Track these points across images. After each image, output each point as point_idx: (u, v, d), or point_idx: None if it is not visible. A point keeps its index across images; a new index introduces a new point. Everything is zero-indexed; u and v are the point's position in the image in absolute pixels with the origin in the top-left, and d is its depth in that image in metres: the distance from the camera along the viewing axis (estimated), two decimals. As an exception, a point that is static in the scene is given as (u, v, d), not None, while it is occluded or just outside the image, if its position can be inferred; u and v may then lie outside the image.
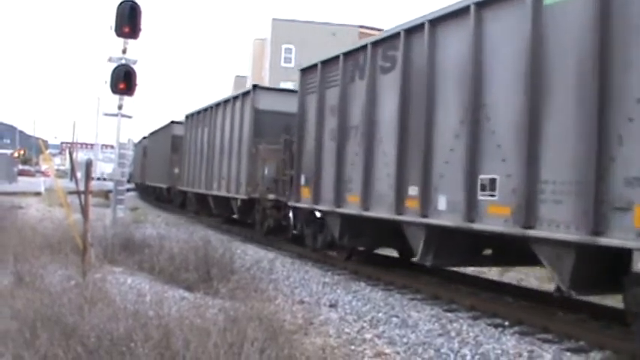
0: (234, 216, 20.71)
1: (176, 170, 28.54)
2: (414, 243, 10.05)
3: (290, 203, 14.63)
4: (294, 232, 15.12)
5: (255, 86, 19.27)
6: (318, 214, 13.47)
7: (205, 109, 24.05)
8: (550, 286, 11.49)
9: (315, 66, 13.68)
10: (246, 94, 19.48)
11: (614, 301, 10.38)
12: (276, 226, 16.51)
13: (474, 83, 8.75)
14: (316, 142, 13.33)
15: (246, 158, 18.23)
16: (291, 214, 15.14)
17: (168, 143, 30.93)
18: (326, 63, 13.22)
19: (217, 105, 22.49)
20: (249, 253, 14.39)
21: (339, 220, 12.34)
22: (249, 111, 18.64)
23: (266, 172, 16.70)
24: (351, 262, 13.17)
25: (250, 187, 17.64)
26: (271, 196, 16.21)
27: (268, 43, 56.39)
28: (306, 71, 14.39)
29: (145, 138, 42.50)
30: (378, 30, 55.14)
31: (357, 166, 11.64)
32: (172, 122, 31.12)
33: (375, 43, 11.39)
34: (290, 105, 16.22)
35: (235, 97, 20.60)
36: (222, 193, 20.66)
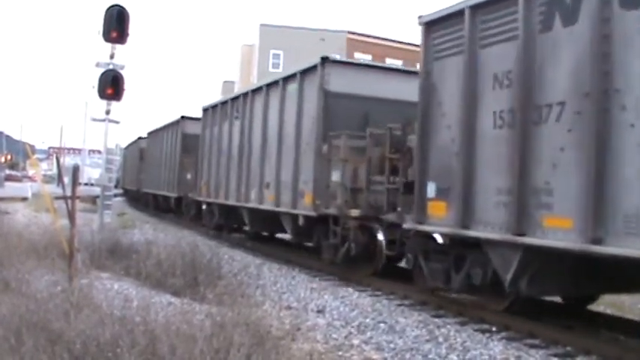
0: (289, 238, 15.77)
1: (189, 176, 24.19)
2: None
3: (406, 225, 10.01)
4: (388, 263, 11.61)
5: (324, 59, 13.18)
6: (440, 240, 9.54)
7: (236, 98, 18.51)
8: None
9: (456, 15, 8.93)
10: (308, 70, 13.78)
11: (601, 307, 10.46)
12: (359, 253, 11.82)
13: None
14: (463, 132, 8.82)
15: (313, 159, 13.18)
16: (382, 237, 11.31)
17: (177, 143, 26.53)
18: (481, 6, 8.56)
19: (256, 90, 16.87)
20: (236, 259, 14.36)
21: (519, 255, 7.84)
22: (315, 94, 13.22)
23: (347, 178, 12.19)
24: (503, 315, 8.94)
25: (320, 200, 12.81)
26: (355, 212, 11.69)
27: (256, 48, 56.32)
28: (435, 24, 9.47)
29: (141, 138, 37.38)
30: (367, 36, 55.36)
31: (566, 168, 7.24)
32: (183, 118, 26.33)
33: None
34: (372, 86, 12.93)
35: (287, 77, 14.84)
36: (268, 206, 15.28)
